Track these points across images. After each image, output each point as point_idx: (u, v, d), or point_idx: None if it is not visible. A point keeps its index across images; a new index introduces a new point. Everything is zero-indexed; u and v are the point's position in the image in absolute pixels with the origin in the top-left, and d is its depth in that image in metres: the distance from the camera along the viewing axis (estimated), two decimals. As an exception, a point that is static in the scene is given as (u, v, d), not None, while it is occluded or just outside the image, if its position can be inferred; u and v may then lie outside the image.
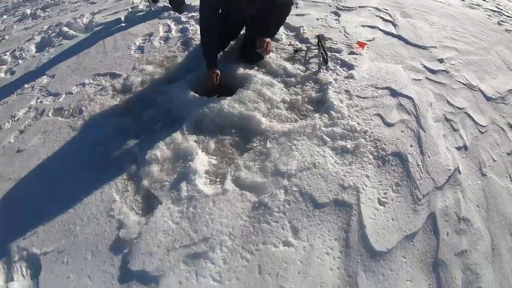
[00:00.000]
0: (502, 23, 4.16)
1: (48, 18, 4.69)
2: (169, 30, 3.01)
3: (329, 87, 1.93)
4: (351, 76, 2.09)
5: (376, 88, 2.02)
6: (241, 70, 2.00)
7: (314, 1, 3.65)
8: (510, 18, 4.57)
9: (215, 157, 1.52)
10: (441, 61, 2.52)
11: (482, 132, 1.94)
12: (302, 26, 2.81)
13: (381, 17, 3.20)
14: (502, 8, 5.16)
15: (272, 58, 2.26)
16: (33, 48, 3.48)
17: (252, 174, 1.37)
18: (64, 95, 2.31)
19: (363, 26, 2.93)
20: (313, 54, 2.34)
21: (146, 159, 1.52)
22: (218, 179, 1.42)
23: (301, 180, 1.36)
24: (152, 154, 1.53)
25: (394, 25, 3.05)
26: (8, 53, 3.51)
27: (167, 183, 1.41)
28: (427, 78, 2.24)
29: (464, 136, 1.85)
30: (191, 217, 1.27)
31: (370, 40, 2.63)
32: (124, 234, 1.25)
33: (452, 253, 1.35)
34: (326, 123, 1.63)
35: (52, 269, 1.21)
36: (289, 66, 2.13)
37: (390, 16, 3.25)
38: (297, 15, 3.17)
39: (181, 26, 3.04)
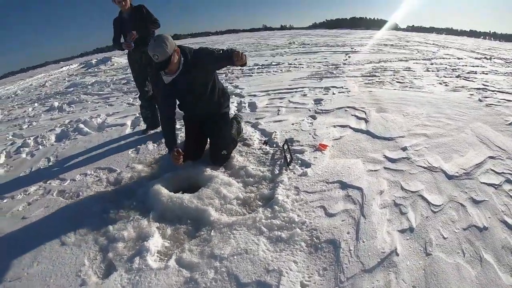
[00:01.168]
0: (485, 99, 4.27)
1: (71, 113, 5.73)
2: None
3: (280, 185, 2.39)
4: (304, 174, 2.49)
5: (327, 182, 2.34)
6: (207, 172, 2.61)
7: (295, 108, 4.26)
8: (495, 92, 4.66)
9: (169, 241, 2.00)
10: (404, 149, 2.72)
11: (434, 212, 2.01)
12: (275, 131, 3.39)
13: (355, 116, 3.59)
14: (489, 84, 5.31)
15: (239, 161, 2.86)
16: (53, 138, 4.30)
17: (192, 256, 1.82)
18: (68, 181, 2.95)
19: (334, 126, 3.36)
20: (277, 157, 2.87)
21: (115, 237, 2.03)
22: (165, 258, 1.86)
23: (230, 263, 1.77)
24: (120, 234, 2.04)
25: (366, 121, 3.36)
26: (32, 138, 4.36)
27: (125, 256, 1.88)
28: (385, 167, 2.46)
29: (412, 218, 1.95)
30: (134, 284, 1.68)
31: (337, 139, 3.00)
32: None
33: None
34: (267, 216, 2.08)
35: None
36: (251, 167, 2.69)
37: (365, 113, 3.62)
38: (275, 121, 3.79)
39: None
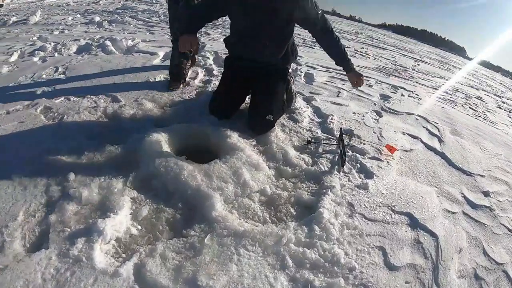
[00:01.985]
0: None
1: (108, 31, 5.21)
2: (195, 77, 3.11)
3: (329, 192, 1.66)
4: (364, 186, 1.82)
5: (393, 210, 1.70)
6: (231, 138, 1.86)
7: (359, 96, 3.61)
8: None
9: (139, 227, 1.30)
10: (486, 194, 2.20)
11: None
12: (332, 115, 2.71)
13: (427, 129, 3.06)
14: None
15: (279, 138, 2.13)
16: (74, 49, 3.81)
17: (160, 269, 1.11)
18: (61, 98, 2.39)
19: (403, 133, 2.76)
20: (329, 148, 2.15)
21: (70, 193, 1.38)
22: (122, 255, 1.18)
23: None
24: (78, 191, 1.38)
25: (440, 141, 2.86)
26: (52, 44, 3.92)
27: (68, 230, 1.22)
28: (464, 212, 1.91)
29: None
30: (61, 282, 1.04)
31: (406, 151, 2.41)
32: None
33: None
34: (300, 240, 1.32)
35: None
36: (292, 152, 1.96)
37: (438, 130, 3.10)
38: (333, 103, 3.11)
39: (207, 78, 3.13)
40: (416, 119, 3.23)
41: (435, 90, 5.51)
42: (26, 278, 1.03)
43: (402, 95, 4.20)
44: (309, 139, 2.13)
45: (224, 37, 2.31)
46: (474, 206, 1.99)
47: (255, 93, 2.23)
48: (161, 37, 4.86)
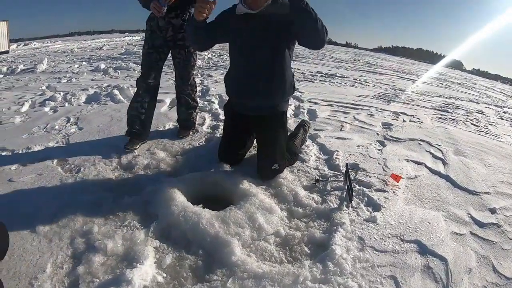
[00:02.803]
0: None
1: (114, 78, 5.59)
2: (203, 123, 3.30)
3: (340, 229, 1.75)
4: (373, 220, 1.90)
5: (402, 240, 1.77)
6: (244, 184, 2.00)
7: (362, 127, 3.74)
8: None
9: (164, 275, 1.39)
10: (493, 211, 2.23)
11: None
12: (338, 151, 2.82)
13: (431, 153, 3.14)
14: None
15: (288, 179, 2.24)
16: (83, 98, 4.06)
17: None
18: (76, 149, 2.57)
19: (407, 160, 2.84)
20: (337, 185, 2.25)
21: (95, 245, 1.48)
22: None
23: None
24: (103, 242, 1.48)
25: (444, 163, 2.91)
26: (62, 93, 4.19)
27: (97, 281, 1.32)
28: (472, 233, 1.95)
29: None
30: None
31: (411, 178, 2.49)
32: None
33: None
34: (315, 277, 1.41)
35: None
36: (302, 193, 2.07)
37: (442, 152, 3.18)
38: (337, 138, 3.22)
39: (214, 123, 3.32)
40: (419, 143, 3.32)
41: (436, 110, 5.60)
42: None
43: (404, 120, 4.31)
44: (317, 177, 2.24)
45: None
46: (481, 225, 2.06)
47: (258, 144, 2.37)
48: (166, 83, 5.10)
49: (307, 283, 1.35)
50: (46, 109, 3.57)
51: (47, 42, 20.47)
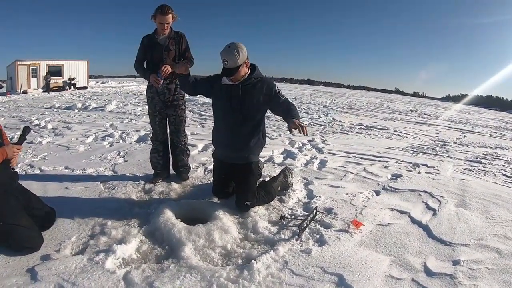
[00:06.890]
0: None
1: None
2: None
3: (272, 252, 2.31)
4: (308, 251, 2.34)
5: (324, 271, 2.14)
6: (219, 212, 2.80)
7: (365, 177, 4.11)
8: None
9: (138, 255, 2.33)
10: (456, 262, 2.31)
11: None
12: (321, 196, 3.34)
13: (426, 203, 3.34)
14: None
15: (259, 213, 2.99)
16: (135, 138, 5.58)
17: (140, 275, 2.05)
18: (117, 174, 3.85)
19: (391, 209, 3.13)
20: (299, 223, 2.72)
21: (105, 232, 2.55)
22: (122, 266, 2.16)
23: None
24: (110, 230, 2.56)
25: (434, 214, 3.09)
26: (119, 132, 5.81)
27: (97, 249, 2.29)
28: (413, 279, 2.11)
29: None
30: (84, 268, 2.03)
31: (382, 225, 2.80)
32: None
33: None
34: (229, 277, 2.06)
35: None
36: (263, 224, 2.75)
37: (440, 203, 3.34)
38: (330, 186, 3.72)
39: None
40: (420, 194, 3.53)
41: (468, 161, 5.59)
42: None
43: (419, 172, 4.52)
44: (283, 214, 2.91)
45: None
46: (431, 274, 2.15)
47: (235, 185, 3.24)
48: (208, 131, 6.37)
49: (220, 279, 2.03)
50: (105, 143, 5.10)
51: (123, 82, 23.40)
